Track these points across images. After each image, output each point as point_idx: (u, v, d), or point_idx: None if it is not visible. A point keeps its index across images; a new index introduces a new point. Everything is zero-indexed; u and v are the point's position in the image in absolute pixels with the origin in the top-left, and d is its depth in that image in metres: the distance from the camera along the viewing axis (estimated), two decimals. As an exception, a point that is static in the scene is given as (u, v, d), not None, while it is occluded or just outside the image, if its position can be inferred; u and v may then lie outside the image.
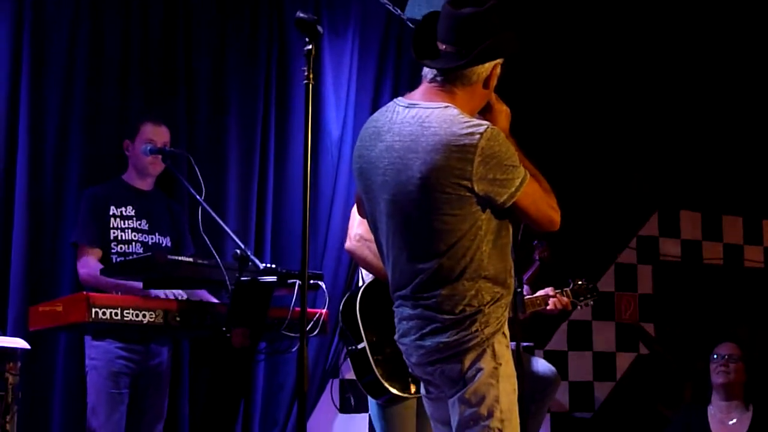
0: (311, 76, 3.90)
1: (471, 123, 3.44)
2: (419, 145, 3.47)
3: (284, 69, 6.92)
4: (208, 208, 5.15)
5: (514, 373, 3.51)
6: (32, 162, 5.97)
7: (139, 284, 5.07)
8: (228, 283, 4.81)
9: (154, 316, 4.78)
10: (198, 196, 5.18)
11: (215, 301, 5.38)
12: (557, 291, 6.06)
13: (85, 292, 4.71)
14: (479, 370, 3.44)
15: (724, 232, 9.37)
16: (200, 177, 5.27)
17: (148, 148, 5.54)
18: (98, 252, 5.47)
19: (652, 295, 8.93)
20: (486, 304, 3.45)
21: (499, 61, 3.60)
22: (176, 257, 4.91)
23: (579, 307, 6.23)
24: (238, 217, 6.59)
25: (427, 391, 3.72)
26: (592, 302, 6.28)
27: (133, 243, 5.54)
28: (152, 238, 5.61)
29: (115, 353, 5.29)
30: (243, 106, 6.73)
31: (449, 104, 3.52)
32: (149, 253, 5.14)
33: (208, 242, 4.98)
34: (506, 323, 3.52)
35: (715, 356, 6.90)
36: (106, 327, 4.85)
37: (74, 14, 6.21)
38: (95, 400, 5.28)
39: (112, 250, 5.49)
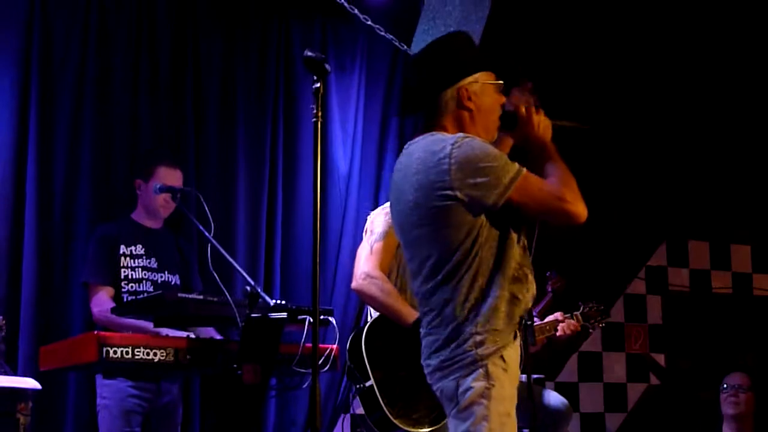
0: (320, 114, 3.93)
1: (444, 138, 3.55)
2: (409, 171, 3.59)
3: (292, 105, 6.95)
4: (217, 245, 5.16)
5: (510, 398, 3.47)
6: (41, 201, 5.99)
7: (157, 328, 5.09)
8: (238, 319, 4.80)
9: (165, 354, 4.77)
10: (207, 234, 5.18)
11: (220, 338, 5.38)
12: (566, 315, 6.05)
13: (95, 332, 4.70)
14: (470, 388, 3.43)
15: (733, 261, 9.37)
16: (209, 214, 5.28)
17: (158, 186, 5.55)
18: (110, 290, 5.48)
19: (662, 326, 8.92)
20: (483, 323, 3.45)
21: (468, 80, 3.68)
22: (186, 295, 4.91)
23: (590, 331, 6.22)
24: (247, 254, 6.60)
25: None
26: (603, 324, 6.27)
27: (143, 281, 5.56)
28: (162, 277, 5.63)
29: (127, 392, 5.29)
30: (251, 143, 6.76)
31: (435, 132, 3.64)
32: (159, 292, 5.14)
33: (218, 279, 4.98)
34: (509, 348, 3.47)
35: (725, 386, 6.88)
36: (117, 366, 4.83)
37: (82, 52, 6.25)
38: None
39: (123, 289, 5.51)
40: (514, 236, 3.53)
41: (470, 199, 3.44)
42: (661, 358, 8.86)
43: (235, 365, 4.81)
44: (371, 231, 5.18)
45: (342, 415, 6.77)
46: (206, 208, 5.33)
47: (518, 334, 3.54)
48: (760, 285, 9.40)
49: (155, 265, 5.63)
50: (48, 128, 6.11)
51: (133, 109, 6.39)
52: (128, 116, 6.37)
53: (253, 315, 4.80)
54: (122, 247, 5.56)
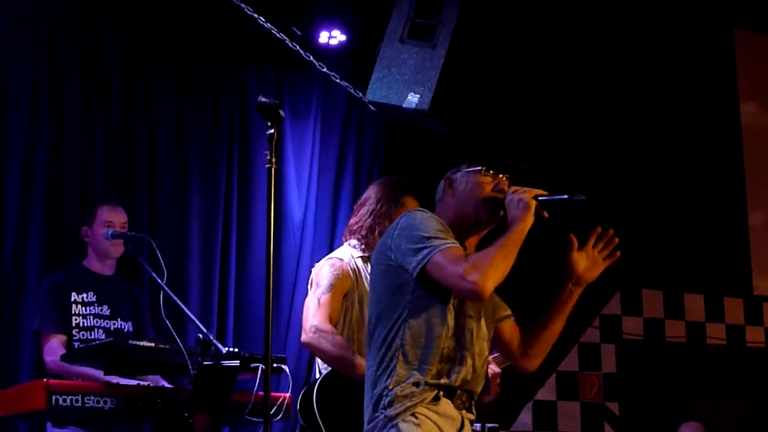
0: (273, 159, 3.92)
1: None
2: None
3: (246, 151, 6.96)
4: (170, 292, 5.11)
5: None
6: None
7: (105, 376, 5.03)
8: (190, 367, 4.76)
9: (115, 402, 4.72)
10: (160, 281, 5.14)
11: (168, 385, 5.33)
12: (496, 355, 6.02)
13: (45, 380, 4.64)
14: None
15: (686, 310, 9.40)
16: (162, 261, 5.24)
17: (110, 233, 5.51)
18: (63, 338, 5.44)
19: (616, 374, 8.92)
20: (393, 384, 3.50)
21: (452, 170, 3.91)
22: (138, 342, 4.86)
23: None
24: (200, 301, 6.57)
25: None
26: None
27: (95, 329, 5.51)
28: (114, 324, 5.58)
29: None
30: (205, 189, 6.75)
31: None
32: (110, 339, 5.09)
33: (170, 327, 4.94)
34: (421, 407, 3.48)
35: (681, 435, 6.89)
36: (66, 414, 4.77)
37: (33, 99, 6.23)
38: None
39: (74, 337, 5.46)
40: (450, 313, 3.59)
41: (398, 262, 3.58)
42: (615, 407, 8.85)
43: (186, 413, 4.76)
44: (317, 283, 5.16)
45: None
46: (159, 255, 5.29)
47: (442, 398, 3.54)
48: (714, 334, 9.43)
49: (107, 312, 5.59)
50: None
51: (85, 156, 6.37)
52: (81, 163, 6.34)
53: (205, 363, 4.77)
54: (73, 294, 5.53)
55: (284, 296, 6.89)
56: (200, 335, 4.84)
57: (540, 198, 3.72)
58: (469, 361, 3.61)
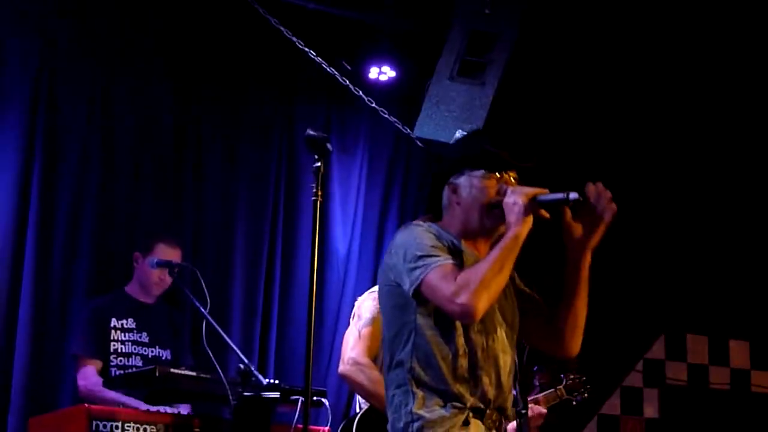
0: (320, 193, 3.93)
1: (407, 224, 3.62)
2: None
3: (292, 184, 6.98)
4: (212, 321, 5.13)
5: None
6: (38, 272, 6.00)
7: (138, 402, 5.06)
8: (230, 397, 4.77)
9: (155, 429, 4.74)
10: (203, 310, 5.16)
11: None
12: (548, 391, 5.97)
13: (86, 405, 4.68)
14: None
15: (731, 357, 9.30)
16: (206, 290, 5.26)
17: (155, 260, 5.54)
18: (99, 363, 5.47)
19: (659, 420, 8.83)
20: (418, 407, 3.37)
21: (456, 176, 3.67)
22: (178, 371, 4.88)
23: (573, 403, 6.12)
24: (242, 332, 6.58)
25: None
26: (586, 395, 6.18)
27: (133, 356, 5.54)
28: (152, 351, 5.61)
29: None
30: (250, 220, 6.78)
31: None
32: (152, 366, 5.08)
33: (212, 356, 4.95)
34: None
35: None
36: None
37: (86, 127, 6.30)
38: None
39: (111, 363, 5.49)
40: (457, 332, 3.43)
41: (396, 281, 3.45)
42: (657, 453, 8.77)
43: (225, 444, 4.77)
44: (359, 316, 5.16)
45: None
46: (203, 284, 5.31)
47: (471, 421, 3.40)
48: (759, 382, 9.31)
49: (146, 340, 5.62)
50: (49, 200, 6.14)
51: (134, 186, 6.42)
52: (130, 191, 6.39)
53: (245, 393, 4.78)
54: (113, 320, 5.57)
55: (326, 330, 6.89)
56: (241, 366, 4.86)
57: (538, 199, 3.46)
58: (487, 379, 3.44)
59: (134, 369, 5.45)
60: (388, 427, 3.51)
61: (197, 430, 4.88)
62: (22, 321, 5.88)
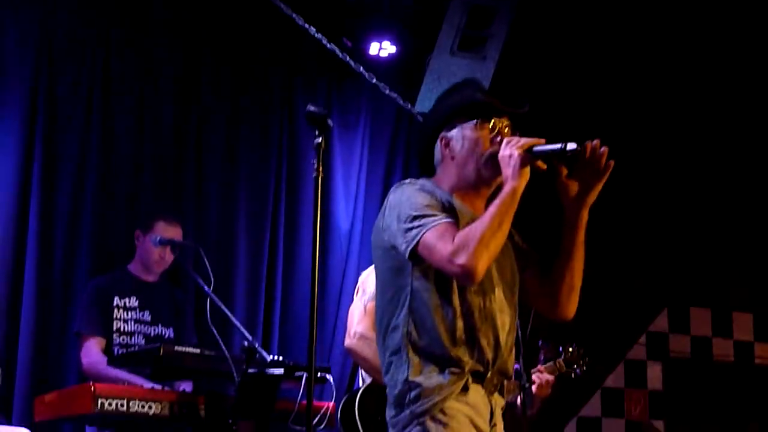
0: (321, 169, 3.92)
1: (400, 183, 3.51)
2: None
3: (294, 161, 6.98)
4: (216, 299, 5.14)
5: None
6: (42, 251, 6.01)
7: (142, 379, 5.09)
8: (235, 375, 4.79)
9: (160, 407, 4.77)
10: (206, 288, 5.17)
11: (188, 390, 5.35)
12: (547, 364, 5.97)
13: (90, 383, 4.69)
14: None
15: (735, 329, 9.31)
16: (209, 268, 5.26)
17: (158, 238, 5.54)
18: (102, 341, 5.48)
19: (662, 392, 8.85)
20: (414, 374, 3.30)
21: (446, 128, 3.55)
22: (183, 349, 4.90)
23: (573, 375, 6.11)
24: (246, 309, 6.59)
25: None
26: (585, 367, 6.17)
27: (135, 334, 5.56)
28: (155, 330, 5.63)
29: None
30: (252, 198, 6.78)
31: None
32: (157, 344, 5.10)
33: (216, 334, 4.96)
34: (451, 400, 3.28)
35: (727, 456, 6.82)
36: (111, 418, 4.81)
37: (87, 104, 6.30)
38: None
39: (114, 341, 5.49)
40: (454, 293, 3.34)
41: (391, 243, 3.36)
42: (661, 425, 8.78)
43: (230, 421, 4.78)
44: (363, 290, 5.17)
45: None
46: (206, 263, 5.31)
47: (470, 386, 3.33)
48: (762, 354, 9.32)
49: (149, 318, 5.63)
50: (50, 179, 6.14)
51: (135, 163, 6.42)
52: (131, 169, 6.40)
53: (250, 370, 4.79)
54: (116, 298, 5.57)
55: (329, 306, 6.90)
56: (245, 343, 4.87)
57: (535, 150, 3.33)
58: (485, 341, 3.36)
59: (137, 347, 5.47)
60: (388, 397, 3.45)
61: (202, 407, 4.91)
62: (26, 301, 5.89)
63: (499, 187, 3.39)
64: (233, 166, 6.77)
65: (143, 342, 5.56)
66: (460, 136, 3.52)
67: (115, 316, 5.54)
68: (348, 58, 6.83)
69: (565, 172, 3.45)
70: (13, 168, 6.04)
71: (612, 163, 3.43)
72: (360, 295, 5.21)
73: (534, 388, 5.78)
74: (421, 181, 3.50)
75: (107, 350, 5.46)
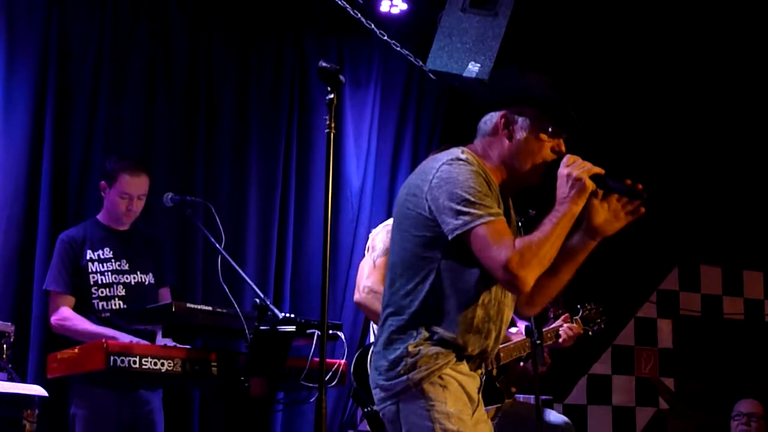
0: (333, 125, 3.90)
1: (450, 152, 3.43)
2: (413, 174, 3.52)
3: (306, 118, 6.96)
4: (227, 256, 5.14)
5: (456, 414, 3.30)
6: (54, 211, 6.03)
7: (119, 333, 5.06)
8: (247, 332, 4.80)
9: (172, 364, 4.77)
10: (218, 245, 5.17)
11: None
12: (566, 321, 6.00)
13: (103, 340, 4.69)
14: (411, 413, 3.32)
15: (745, 287, 9.32)
16: (220, 225, 5.26)
17: (170, 197, 5.48)
18: (70, 299, 5.39)
19: (672, 350, 8.87)
20: (415, 346, 3.32)
21: (515, 110, 3.49)
22: (194, 305, 4.90)
23: (590, 333, 6.13)
24: (257, 267, 6.59)
25: None
26: (603, 326, 6.20)
27: (114, 285, 5.46)
28: (134, 278, 5.54)
29: (103, 401, 5.20)
30: (264, 155, 6.76)
31: (461, 147, 3.51)
32: (168, 302, 5.09)
33: (227, 291, 4.97)
34: (448, 368, 3.31)
35: (737, 414, 6.83)
36: (122, 375, 4.82)
37: (97, 60, 6.30)
38: None
39: (93, 295, 5.41)
40: (483, 282, 3.35)
41: (433, 215, 3.32)
42: (670, 382, 8.81)
43: (242, 377, 4.80)
44: (373, 247, 5.22)
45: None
46: (217, 220, 5.30)
47: (465, 361, 3.38)
48: (773, 311, 9.35)
49: (126, 267, 5.52)
50: (62, 136, 6.15)
51: (146, 118, 6.41)
52: (141, 124, 6.39)
53: (261, 327, 4.80)
54: (88, 252, 5.47)
55: (341, 264, 6.91)
56: (257, 300, 4.87)
57: (609, 183, 3.38)
58: (494, 333, 3.43)
59: (117, 298, 5.43)
60: (374, 359, 3.47)
61: (214, 364, 4.91)
62: (38, 259, 5.89)
63: (550, 202, 3.37)
64: (244, 123, 6.75)
65: (123, 292, 5.47)
66: (527, 125, 3.48)
67: (90, 270, 5.43)
68: (359, 15, 6.79)
69: (600, 194, 3.44)
70: (24, 122, 6.06)
71: (643, 210, 3.51)
72: (370, 252, 5.24)
73: (561, 338, 5.84)
74: (470, 158, 3.40)
75: (86, 305, 5.39)
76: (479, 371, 3.49)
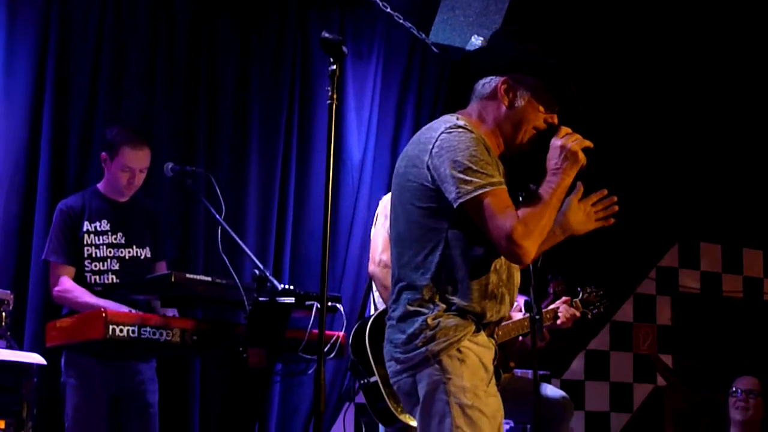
0: (335, 96, 3.88)
1: (448, 119, 3.45)
2: (410, 145, 3.52)
3: (307, 90, 6.93)
4: (227, 227, 5.13)
5: (472, 389, 3.32)
6: (53, 180, 6.01)
7: (118, 305, 5.04)
8: (246, 303, 4.80)
9: (171, 334, 4.78)
10: (218, 216, 5.16)
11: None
12: (566, 303, 6.01)
13: (102, 309, 4.69)
14: (427, 385, 3.34)
15: (744, 265, 9.33)
16: (220, 196, 5.25)
17: (170, 167, 5.48)
18: (71, 270, 5.36)
19: (671, 327, 8.88)
20: (434, 318, 3.34)
21: (518, 77, 3.51)
22: (194, 276, 4.90)
23: (589, 317, 6.15)
24: (257, 238, 6.58)
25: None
26: (603, 309, 6.21)
27: (108, 260, 5.43)
28: (129, 252, 5.50)
29: (94, 370, 5.20)
30: (265, 126, 6.74)
31: (456, 113, 3.55)
32: (168, 272, 5.07)
33: (227, 262, 4.96)
34: (466, 340, 3.34)
35: (735, 390, 6.84)
36: (121, 345, 4.82)
37: (98, 34, 6.26)
38: (74, 418, 5.18)
39: (86, 269, 5.38)
40: (491, 247, 3.36)
41: (436, 185, 3.34)
42: (669, 359, 8.83)
43: (241, 348, 4.80)
44: (385, 215, 5.14)
45: (346, 404, 6.75)
46: (218, 191, 5.30)
47: (482, 330, 3.41)
48: (772, 289, 9.37)
49: (122, 240, 5.48)
50: (63, 105, 6.13)
51: (147, 90, 6.38)
52: (142, 97, 6.36)
53: (260, 299, 4.81)
54: (86, 224, 5.42)
55: (341, 237, 6.89)
56: (257, 271, 4.88)
57: (589, 152, 3.44)
58: (507, 297, 3.48)
59: (110, 272, 5.41)
60: (388, 333, 3.49)
61: (213, 334, 4.92)
62: (37, 228, 5.88)
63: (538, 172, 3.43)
64: (246, 94, 6.72)
65: (117, 267, 5.43)
66: (526, 94, 3.51)
67: (85, 242, 5.39)
68: (362, -14, 6.77)
69: (581, 193, 3.51)
70: (24, 93, 6.02)
71: (612, 221, 3.59)
72: (382, 221, 5.19)
73: (560, 319, 5.85)
74: (468, 124, 3.42)
75: (79, 277, 5.35)
76: (492, 341, 3.50)
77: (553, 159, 3.43)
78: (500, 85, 3.52)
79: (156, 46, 6.44)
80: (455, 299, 3.36)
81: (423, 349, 3.34)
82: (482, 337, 3.42)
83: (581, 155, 3.42)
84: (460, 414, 3.30)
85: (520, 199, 3.45)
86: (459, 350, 3.33)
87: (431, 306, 3.36)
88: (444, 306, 3.36)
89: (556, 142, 3.44)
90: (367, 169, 7.04)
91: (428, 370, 3.34)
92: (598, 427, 8.46)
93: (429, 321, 3.34)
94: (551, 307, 5.95)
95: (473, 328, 3.38)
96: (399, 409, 4.89)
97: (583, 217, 3.52)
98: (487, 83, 3.55)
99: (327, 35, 3.81)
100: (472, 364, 3.35)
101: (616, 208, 3.58)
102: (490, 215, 3.26)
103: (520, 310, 5.80)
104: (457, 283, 3.37)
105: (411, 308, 3.40)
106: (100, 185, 5.60)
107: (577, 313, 5.98)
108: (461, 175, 3.28)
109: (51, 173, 5.99)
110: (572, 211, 3.49)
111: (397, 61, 7.27)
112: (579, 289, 6.10)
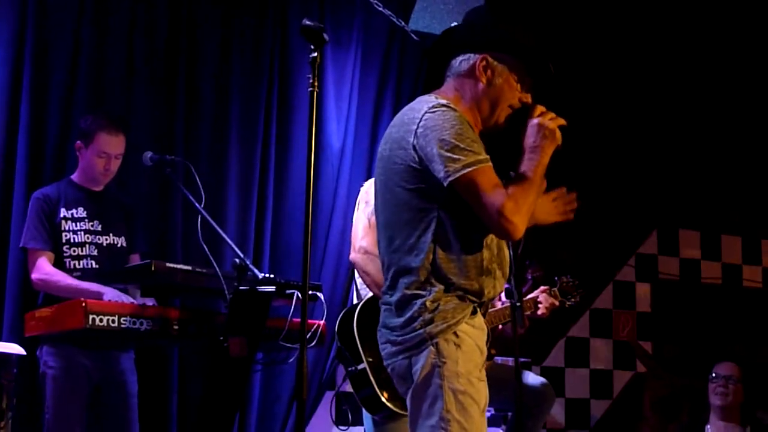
0: (316, 83, 3.86)
1: (429, 99, 3.47)
2: (392, 128, 3.55)
3: (286, 78, 6.89)
4: (207, 216, 5.11)
5: (466, 375, 3.35)
6: (31, 168, 5.98)
7: (96, 287, 5.04)
8: (226, 292, 4.78)
9: (151, 323, 4.76)
10: (197, 205, 5.14)
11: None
12: (545, 292, 6.01)
13: (82, 299, 4.66)
14: (422, 367, 3.35)
15: (723, 252, 9.35)
16: (200, 185, 5.23)
17: (149, 156, 5.46)
18: (51, 255, 5.33)
19: (650, 314, 8.90)
20: (433, 301, 3.35)
21: (496, 55, 3.54)
22: (175, 265, 4.87)
23: (567, 305, 6.15)
24: (237, 226, 6.57)
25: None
26: (579, 298, 6.21)
27: (87, 245, 5.41)
28: (106, 239, 5.48)
29: (74, 360, 5.17)
30: (244, 114, 6.71)
31: (433, 93, 3.57)
32: (148, 261, 5.05)
33: (207, 250, 4.94)
34: (463, 324, 3.36)
35: (714, 376, 6.87)
36: (101, 334, 4.80)
37: (77, 22, 6.21)
38: (54, 408, 5.14)
39: (65, 254, 5.35)
40: (481, 224, 3.37)
41: (424, 165, 3.35)
42: (648, 346, 8.85)
43: (221, 337, 4.78)
44: (366, 202, 5.13)
45: (327, 393, 6.75)
46: (197, 179, 5.28)
47: (478, 311, 3.44)
48: (750, 276, 9.39)
49: (99, 228, 5.46)
50: (41, 95, 6.10)
51: (126, 76, 6.35)
52: (121, 83, 6.33)
53: (241, 288, 4.79)
54: (62, 210, 5.40)
55: (321, 224, 6.87)
56: (237, 260, 4.86)
57: (562, 129, 3.51)
58: (500, 272, 3.50)
59: (89, 258, 5.39)
60: (383, 316, 3.51)
61: (193, 324, 4.90)
62: (15, 216, 5.86)
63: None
64: (225, 82, 6.69)
65: (95, 252, 5.41)
66: (505, 72, 3.55)
67: (63, 228, 5.37)
68: (341, -27, 6.74)
69: (544, 185, 3.54)
70: (1, 83, 6.00)
71: (572, 216, 3.69)
72: (363, 207, 5.18)
73: (540, 309, 5.84)
74: (450, 103, 3.45)
75: (58, 263, 5.32)
76: (485, 322, 3.52)
77: (531, 137, 3.48)
78: (479, 63, 3.54)
79: (134, 35, 6.41)
80: (453, 278, 3.38)
81: (420, 331, 3.35)
82: (479, 319, 3.45)
83: (558, 133, 3.48)
84: (452, 399, 3.32)
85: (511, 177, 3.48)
86: (456, 334, 3.35)
87: (428, 287, 3.38)
88: (442, 286, 3.38)
89: (533, 120, 3.49)
90: (347, 156, 7.02)
91: (424, 352, 3.35)
92: (578, 414, 8.47)
93: (428, 304, 3.36)
94: (531, 296, 5.94)
95: (470, 310, 3.40)
96: (386, 396, 4.88)
97: (549, 207, 3.63)
98: (465, 60, 3.58)
99: (308, 22, 3.79)
100: (468, 348, 3.37)
101: (575, 205, 3.67)
102: (480, 192, 3.29)
103: (500, 300, 5.80)
104: (452, 261, 3.38)
105: (409, 292, 3.41)
106: (74, 176, 5.58)
107: (556, 303, 5.98)
108: (449, 154, 3.29)
109: (29, 164, 5.96)
110: (540, 200, 3.53)
111: (377, 48, 7.25)
112: (556, 278, 6.10)
